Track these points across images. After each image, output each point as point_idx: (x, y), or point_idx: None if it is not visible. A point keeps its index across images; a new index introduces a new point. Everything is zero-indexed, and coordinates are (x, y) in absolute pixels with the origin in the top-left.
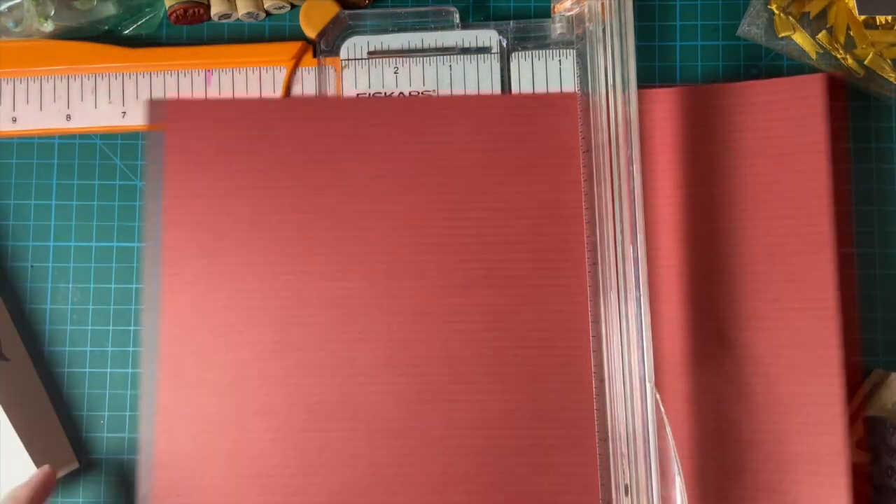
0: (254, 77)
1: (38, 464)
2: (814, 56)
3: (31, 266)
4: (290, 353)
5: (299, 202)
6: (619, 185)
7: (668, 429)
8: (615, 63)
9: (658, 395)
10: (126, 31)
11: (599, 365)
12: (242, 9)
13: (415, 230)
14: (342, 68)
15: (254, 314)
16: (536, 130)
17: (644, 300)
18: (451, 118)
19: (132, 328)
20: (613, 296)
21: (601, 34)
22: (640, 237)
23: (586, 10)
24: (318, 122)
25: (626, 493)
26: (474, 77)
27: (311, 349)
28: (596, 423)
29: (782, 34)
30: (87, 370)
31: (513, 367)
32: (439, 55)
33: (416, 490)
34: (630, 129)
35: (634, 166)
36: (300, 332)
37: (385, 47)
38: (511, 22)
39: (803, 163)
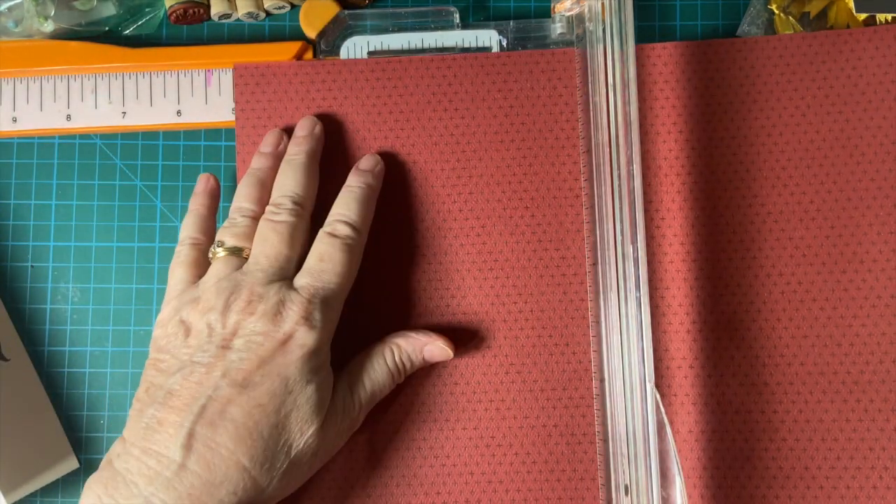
0: None
1: (37, 464)
2: None
3: (31, 266)
4: (369, 316)
5: (388, 160)
6: (620, 185)
7: (668, 429)
8: (615, 63)
9: (658, 396)
10: (126, 31)
11: (599, 365)
12: (242, 9)
13: (504, 186)
14: None
15: None
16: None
17: (644, 300)
18: (535, 73)
19: (132, 328)
20: (613, 296)
21: (601, 34)
22: (641, 237)
23: (586, 10)
24: (403, 81)
25: (626, 493)
26: None
27: (402, 310)
28: (596, 423)
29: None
30: (87, 370)
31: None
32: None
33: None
34: (630, 128)
35: (634, 166)
36: (388, 290)
37: (385, 47)
38: (511, 22)
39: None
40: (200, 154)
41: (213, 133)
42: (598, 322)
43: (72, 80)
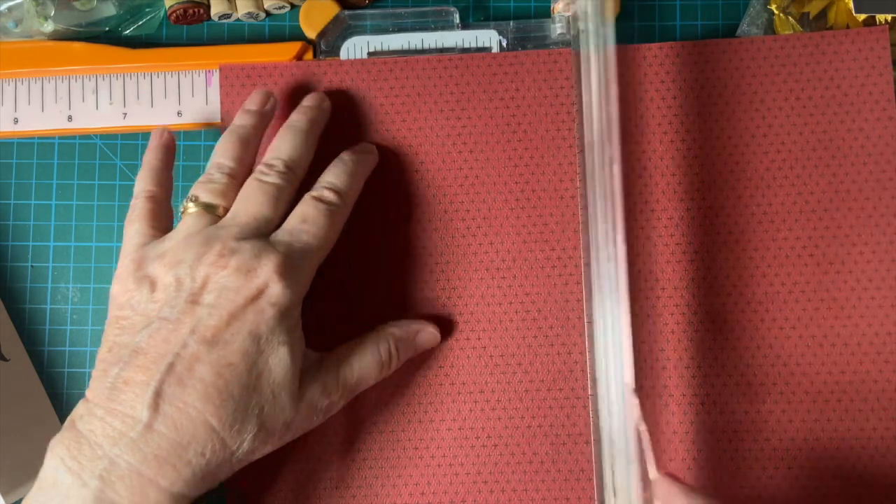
0: None
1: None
2: None
3: (31, 266)
4: (361, 313)
5: (385, 159)
6: (604, 186)
7: (643, 430)
8: (599, 62)
9: (636, 398)
10: (126, 32)
11: (592, 365)
12: (242, 9)
13: (501, 186)
14: None
15: (323, 271)
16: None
17: (623, 301)
18: (535, 73)
19: None
20: (599, 296)
21: (587, 33)
22: (620, 238)
23: (577, 10)
24: (401, 82)
25: (615, 495)
26: None
27: (384, 306)
28: (591, 424)
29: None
30: (87, 370)
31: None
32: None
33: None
34: (611, 128)
35: (615, 166)
36: (376, 289)
37: (385, 47)
38: (511, 22)
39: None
40: (200, 154)
41: (214, 133)
42: (591, 322)
43: (72, 81)
